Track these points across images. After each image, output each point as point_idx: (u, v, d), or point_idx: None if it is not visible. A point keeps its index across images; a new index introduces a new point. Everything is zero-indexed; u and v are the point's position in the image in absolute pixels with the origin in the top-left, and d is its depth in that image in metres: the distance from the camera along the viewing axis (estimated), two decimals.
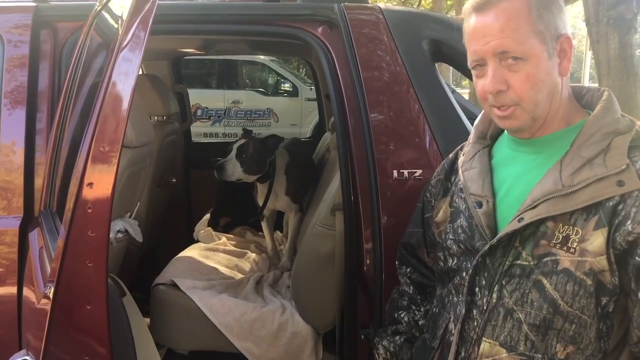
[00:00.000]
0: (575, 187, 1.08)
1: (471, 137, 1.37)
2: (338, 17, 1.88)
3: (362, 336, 1.81)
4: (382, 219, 1.75)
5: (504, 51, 1.13)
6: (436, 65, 1.93)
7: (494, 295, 1.17)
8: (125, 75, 1.21)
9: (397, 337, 1.49)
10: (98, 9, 1.76)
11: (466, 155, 1.34)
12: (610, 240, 1.06)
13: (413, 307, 1.49)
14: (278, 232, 3.28)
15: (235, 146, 2.75)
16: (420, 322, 1.46)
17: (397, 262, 1.56)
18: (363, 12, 1.92)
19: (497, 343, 1.16)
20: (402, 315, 1.49)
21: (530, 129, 1.19)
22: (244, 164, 2.72)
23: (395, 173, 1.77)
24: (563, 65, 1.16)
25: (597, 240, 1.07)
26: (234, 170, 2.71)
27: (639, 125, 1.13)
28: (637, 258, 1.04)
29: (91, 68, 1.82)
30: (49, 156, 1.81)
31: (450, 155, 1.44)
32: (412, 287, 1.50)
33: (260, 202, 2.90)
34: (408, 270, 1.52)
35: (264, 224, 2.98)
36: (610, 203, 1.06)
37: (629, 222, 1.04)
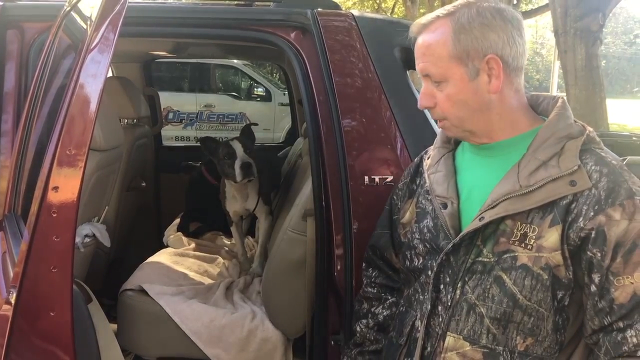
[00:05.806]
0: (531, 187, 1.15)
1: (437, 142, 1.43)
2: (311, 23, 1.88)
3: (333, 342, 1.81)
4: (353, 224, 1.75)
5: (426, 74, 1.23)
6: (408, 72, 1.95)
7: (458, 292, 1.23)
8: (93, 77, 1.20)
9: (354, 350, 1.56)
10: (67, 9, 1.73)
11: (432, 159, 1.40)
12: (564, 236, 1.14)
13: (373, 308, 1.53)
14: (249, 238, 3.26)
15: (235, 145, 2.66)
16: (380, 318, 1.51)
17: (364, 264, 1.60)
18: (336, 18, 1.92)
19: (461, 337, 1.22)
20: (356, 326, 1.56)
21: (473, 137, 1.27)
22: (253, 159, 2.66)
23: (366, 179, 1.78)
24: (492, 84, 1.20)
25: (552, 237, 1.14)
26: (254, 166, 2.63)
27: (589, 131, 1.21)
28: (588, 253, 1.13)
29: (59, 69, 1.78)
30: (14, 159, 1.78)
31: (416, 159, 1.50)
32: (375, 288, 1.55)
33: (231, 206, 2.87)
34: (374, 273, 1.56)
35: (233, 229, 2.95)
36: (564, 202, 1.14)
37: (580, 219, 1.12)
